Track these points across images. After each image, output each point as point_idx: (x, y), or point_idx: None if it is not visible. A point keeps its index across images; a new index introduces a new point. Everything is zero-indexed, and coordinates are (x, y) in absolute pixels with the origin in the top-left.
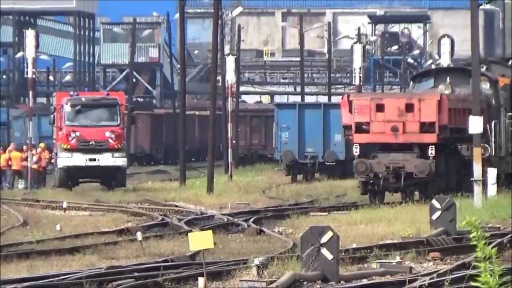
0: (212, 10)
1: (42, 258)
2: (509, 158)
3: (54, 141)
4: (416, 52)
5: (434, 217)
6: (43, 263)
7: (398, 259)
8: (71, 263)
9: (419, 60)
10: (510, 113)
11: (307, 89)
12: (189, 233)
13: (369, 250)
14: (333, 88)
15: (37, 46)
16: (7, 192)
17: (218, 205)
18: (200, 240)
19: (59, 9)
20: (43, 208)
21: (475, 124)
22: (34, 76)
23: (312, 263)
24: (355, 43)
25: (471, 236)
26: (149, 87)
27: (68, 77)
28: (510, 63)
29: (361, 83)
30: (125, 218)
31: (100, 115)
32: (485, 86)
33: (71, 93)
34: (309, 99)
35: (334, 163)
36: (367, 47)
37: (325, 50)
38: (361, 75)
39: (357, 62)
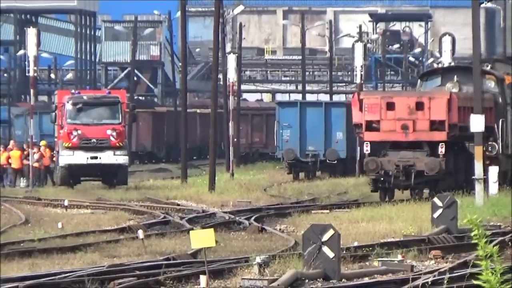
0: (214, 9)
1: (44, 256)
2: None
3: (55, 139)
4: (418, 50)
5: (436, 215)
6: (44, 261)
7: (399, 257)
8: (72, 261)
9: (420, 58)
10: None
11: (308, 87)
12: (190, 231)
13: (370, 248)
14: (335, 87)
15: (38, 44)
16: (8, 190)
17: (219, 203)
18: (201, 238)
19: (61, 7)
20: (45, 206)
21: (477, 123)
22: (35, 74)
23: (313, 261)
24: (356, 41)
25: (472, 234)
26: (151, 85)
27: (69, 75)
28: None
29: (362, 82)
30: (126, 216)
31: (102, 113)
32: (491, 84)
33: (73, 91)
34: (310, 97)
35: (335, 161)
36: (368, 45)
37: (327, 48)
38: (362, 73)
39: (358, 60)
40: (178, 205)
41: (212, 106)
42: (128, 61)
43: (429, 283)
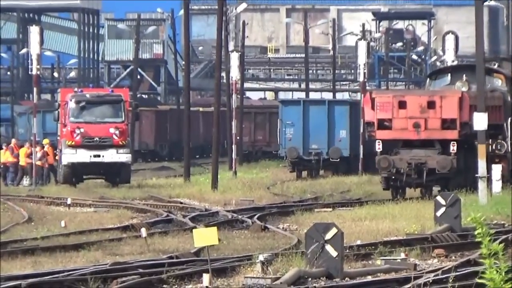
0: (217, 7)
1: (47, 254)
2: None
3: (58, 138)
4: (421, 48)
5: (439, 213)
6: (47, 259)
7: (402, 255)
8: (75, 259)
9: (423, 56)
10: None
11: (311, 86)
12: (193, 230)
13: (373, 247)
14: (338, 85)
15: (41, 42)
16: (12, 189)
17: (222, 202)
18: (204, 237)
19: (64, 6)
20: (48, 204)
21: (480, 121)
22: (38, 72)
23: (316, 259)
24: (360, 39)
25: (476, 232)
26: (154, 84)
27: (72, 74)
28: None
29: (366, 80)
30: (129, 214)
31: (105, 112)
32: (498, 82)
33: (76, 89)
34: (313, 95)
35: (338, 160)
36: (372, 43)
37: (330, 46)
38: (365, 71)
39: (362, 58)
40: (181, 203)
41: (215, 105)
42: (131, 59)
43: (431, 281)
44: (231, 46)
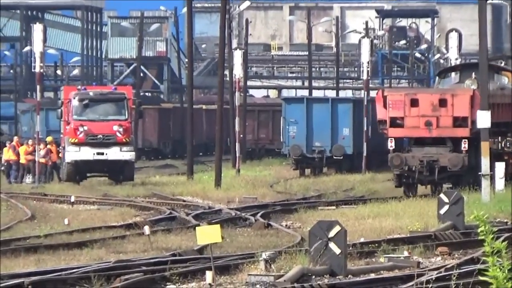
0: (220, 4)
1: (50, 252)
2: None
3: (61, 135)
4: (424, 46)
5: (442, 211)
6: (51, 257)
7: (406, 253)
8: (79, 257)
9: (426, 54)
10: None
11: (315, 83)
12: (196, 227)
13: (377, 245)
14: (341, 83)
15: (44, 40)
16: (14, 186)
17: (225, 199)
18: (207, 234)
19: (67, 4)
20: (51, 202)
21: (483, 119)
22: (41, 70)
23: (320, 257)
24: (363, 37)
25: (479, 230)
26: (157, 81)
27: (75, 71)
28: None
29: (369, 78)
30: (133, 212)
31: (108, 109)
32: (505, 80)
33: (79, 87)
34: (316, 93)
35: (341, 157)
36: (375, 41)
37: (333, 44)
38: (369, 69)
39: (365, 56)
40: (184, 201)
41: (218, 102)
42: (134, 57)
43: (434, 279)
44: (234, 44)
